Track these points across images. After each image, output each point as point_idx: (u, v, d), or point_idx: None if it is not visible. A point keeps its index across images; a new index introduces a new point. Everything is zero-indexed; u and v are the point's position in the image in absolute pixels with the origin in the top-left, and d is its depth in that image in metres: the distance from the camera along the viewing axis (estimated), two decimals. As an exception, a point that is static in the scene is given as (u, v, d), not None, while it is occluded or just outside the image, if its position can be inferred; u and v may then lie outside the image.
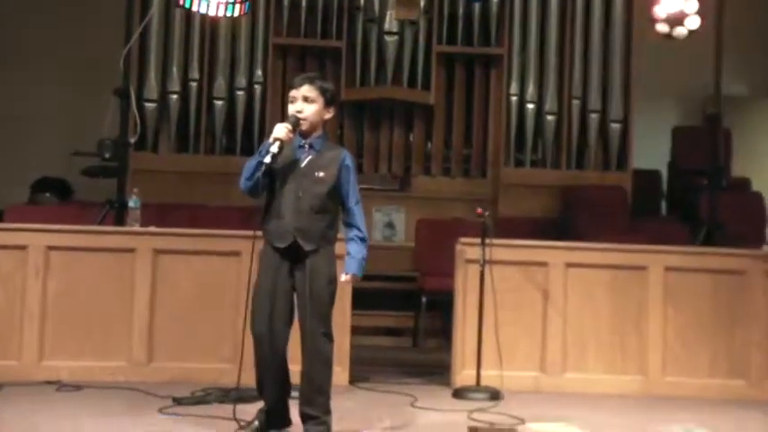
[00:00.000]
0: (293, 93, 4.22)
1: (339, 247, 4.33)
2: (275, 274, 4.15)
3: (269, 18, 8.89)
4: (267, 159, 4.05)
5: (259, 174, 4.07)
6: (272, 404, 4.26)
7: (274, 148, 4.06)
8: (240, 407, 4.40)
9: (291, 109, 4.20)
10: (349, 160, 4.26)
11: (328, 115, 4.27)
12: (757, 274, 5.98)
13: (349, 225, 4.27)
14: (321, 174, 4.17)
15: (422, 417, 4.96)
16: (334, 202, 4.22)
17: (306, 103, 4.18)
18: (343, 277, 4.22)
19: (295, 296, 4.18)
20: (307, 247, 4.13)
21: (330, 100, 4.27)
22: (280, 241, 4.15)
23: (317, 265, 4.13)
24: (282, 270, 4.16)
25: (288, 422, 4.31)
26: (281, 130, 4.09)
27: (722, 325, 5.95)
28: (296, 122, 4.15)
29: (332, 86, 4.35)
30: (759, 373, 5.93)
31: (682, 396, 5.78)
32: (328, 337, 4.16)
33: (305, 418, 4.15)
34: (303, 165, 4.18)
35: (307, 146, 4.21)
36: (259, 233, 4.24)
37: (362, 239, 4.24)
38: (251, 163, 4.14)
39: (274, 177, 4.15)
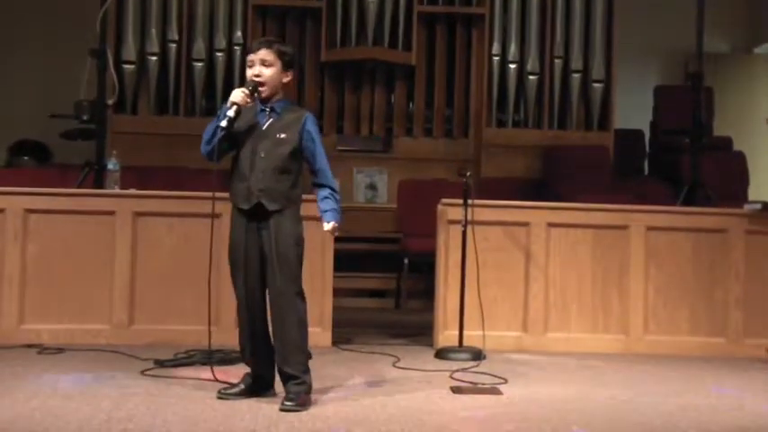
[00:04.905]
0: (251, 57, 4.22)
1: (308, 208, 4.37)
2: (245, 236, 4.17)
3: (248, -22, 8.81)
4: (223, 123, 4.07)
5: (216, 139, 4.10)
6: (256, 368, 4.26)
7: (231, 113, 4.09)
8: (224, 368, 4.39)
9: (249, 73, 4.21)
10: (311, 122, 4.26)
11: (287, 78, 4.27)
12: (738, 234, 6.01)
13: (321, 185, 4.28)
14: (283, 135, 4.18)
15: (404, 377, 4.97)
16: (296, 163, 4.22)
17: (263, 66, 4.18)
18: (326, 226, 4.21)
19: None
20: (271, 207, 4.13)
21: (288, 63, 4.26)
22: (244, 203, 4.16)
23: (282, 226, 4.14)
24: (251, 231, 4.17)
25: (272, 387, 4.30)
26: (237, 95, 4.13)
27: (703, 284, 5.99)
28: (254, 87, 4.16)
29: (291, 49, 4.32)
30: (738, 330, 5.97)
31: (663, 354, 5.82)
32: (301, 296, 4.17)
33: (285, 378, 4.16)
34: (264, 127, 4.19)
35: (268, 110, 4.22)
36: (220, 195, 4.27)
37: (335, 196, 4.26)
38: (210, 127, 4.17)
39: (236, 141, 4.17)
